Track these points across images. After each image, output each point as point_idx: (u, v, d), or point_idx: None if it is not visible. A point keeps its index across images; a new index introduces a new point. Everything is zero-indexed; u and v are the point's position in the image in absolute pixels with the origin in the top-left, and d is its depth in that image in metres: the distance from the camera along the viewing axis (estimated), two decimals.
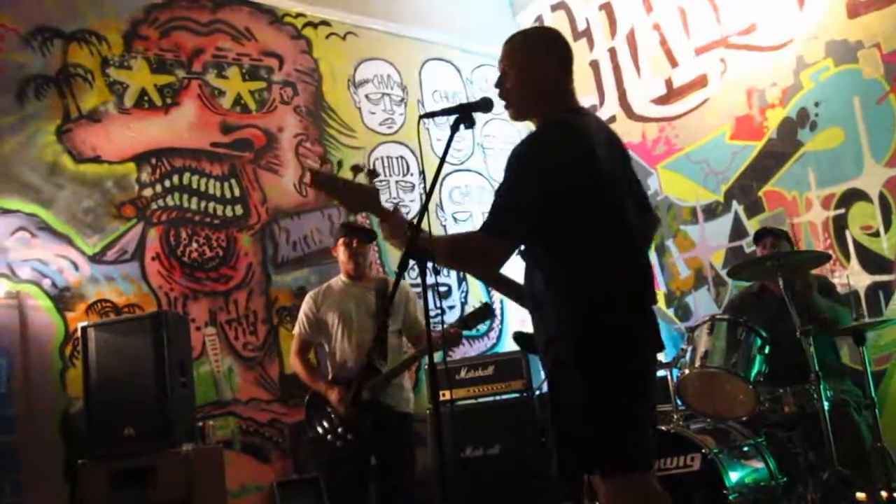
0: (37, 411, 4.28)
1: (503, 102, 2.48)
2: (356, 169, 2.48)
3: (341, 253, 4.30)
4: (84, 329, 4.06)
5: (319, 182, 2.37)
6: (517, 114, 2.48)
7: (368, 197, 2.41)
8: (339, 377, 4.16)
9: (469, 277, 6.26)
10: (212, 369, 4.94)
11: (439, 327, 3.93)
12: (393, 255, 5.77)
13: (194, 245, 5.07)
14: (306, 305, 4.33)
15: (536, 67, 2.41)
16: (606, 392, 2.16)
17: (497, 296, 6.14)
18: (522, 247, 2.37)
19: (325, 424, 4.10)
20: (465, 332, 4.26)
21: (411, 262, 2.22)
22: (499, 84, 2.46)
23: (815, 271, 4.61)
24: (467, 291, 6.25)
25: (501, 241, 2.25)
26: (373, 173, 2.46)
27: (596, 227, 2.23)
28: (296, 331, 4.38)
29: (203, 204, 5.17)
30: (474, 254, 2.32)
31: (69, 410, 4.37)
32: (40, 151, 4.65)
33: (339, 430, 4.03)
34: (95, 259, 4.70)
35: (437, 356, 4.79)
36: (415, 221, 2.23)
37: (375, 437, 4.02)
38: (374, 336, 4.15)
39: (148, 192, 4.97)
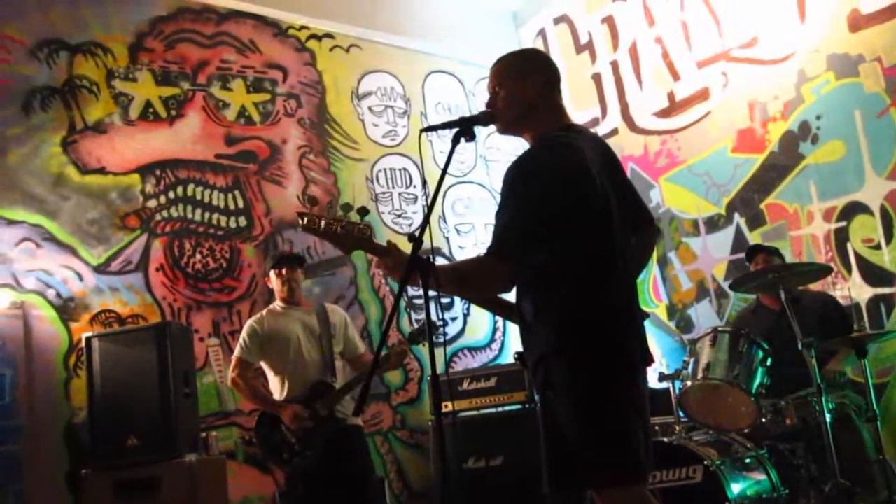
0: (41, 421, 4.30)
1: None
2: (346, 208, 2.48)
3: (274, 282, 4.33)
4: (88, 339, 4.08)
5: (309, 226, 2.38)
6: (505, 129, 2.53)
7: (360, 236, 2.42)
8: (291, 397, 4.15)
9: None
10: (215, 380, 4.95)
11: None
12: None
13: (198, 256, 5.09)
14: (249, 329, 4.26)
15: (525, 87, 2.44)
16: (596, 409, 2.18)
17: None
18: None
19: (281, 443, 4.07)
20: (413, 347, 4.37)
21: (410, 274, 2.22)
22: (490, 104, 2.50)
23: (816, 285, 4.61)
24: (469, 303, 6.24)
25: (508, 262, 2.24)
26: (363, 210, 2.47)
27: (584, 247, 2.24)
28: (237, 354, 4.26)
29: (207, 215, 5.20)
30: (482, 278, 2.31)
31: (73, 421, 4.39)
32: (46, 162, 4.69)
33: (296, 447, 4.03)
34: (100, 270, 4.72)
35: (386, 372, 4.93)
36: (416, 234, 2.24)
37: (334, 450, 4.03)
38: (322, 356, 4.20)
39: (152, 204, 5.00)
